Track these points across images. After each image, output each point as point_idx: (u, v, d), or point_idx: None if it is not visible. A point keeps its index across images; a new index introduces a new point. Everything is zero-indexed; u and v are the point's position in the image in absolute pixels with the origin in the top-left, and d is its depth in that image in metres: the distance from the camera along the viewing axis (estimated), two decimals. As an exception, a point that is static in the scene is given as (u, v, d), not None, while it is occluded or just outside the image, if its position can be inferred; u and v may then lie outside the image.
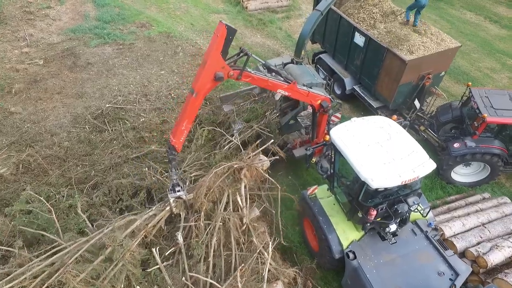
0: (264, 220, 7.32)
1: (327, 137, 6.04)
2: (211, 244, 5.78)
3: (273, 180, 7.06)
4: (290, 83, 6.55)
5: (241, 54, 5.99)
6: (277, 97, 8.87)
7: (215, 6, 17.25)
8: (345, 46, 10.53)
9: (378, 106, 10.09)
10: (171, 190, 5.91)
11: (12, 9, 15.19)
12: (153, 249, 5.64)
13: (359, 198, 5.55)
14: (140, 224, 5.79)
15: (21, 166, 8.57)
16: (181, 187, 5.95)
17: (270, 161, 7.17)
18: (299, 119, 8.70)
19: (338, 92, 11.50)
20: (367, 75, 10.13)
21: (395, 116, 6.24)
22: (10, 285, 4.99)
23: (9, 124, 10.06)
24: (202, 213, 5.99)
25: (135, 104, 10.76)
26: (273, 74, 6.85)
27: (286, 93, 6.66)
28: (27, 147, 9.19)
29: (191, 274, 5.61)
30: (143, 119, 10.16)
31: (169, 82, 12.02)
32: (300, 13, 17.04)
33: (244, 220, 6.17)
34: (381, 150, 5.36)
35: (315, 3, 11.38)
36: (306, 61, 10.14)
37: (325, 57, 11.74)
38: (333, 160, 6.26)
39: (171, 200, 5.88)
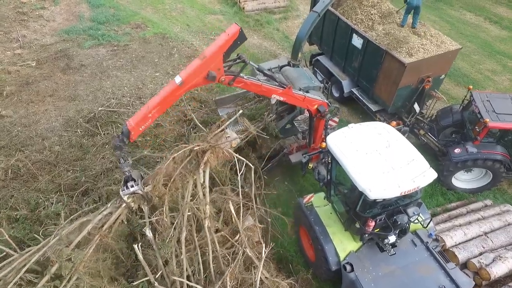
0: (259, 228, 7.09)
1: (324, 144, 5.81)
2: (180, 241, 5.19)
3: (245, 160, 6.36)
4: (285, 88, 6.32)
5: (238, 61, 5.68)
6: (273, 100, 8.63)
7: (211, 7, 17.02)
8: (343, 48, 10.31)
9: (377, 109, 9.87)
10: (123, 186, 5.35)
11: (5, 10, 14.95)
12: (135, 246, 5.00)
13: (357, 209, 5.32)
14: (93, 228, 5.16)
15: (10, 171, 8.32)
16: (135, 181, 5.36)
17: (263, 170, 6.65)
18: (295, 124, 8.49)
19: (336, 95, 11.27)
20: (366, 78, 9.91)
21: (394, 122, 6.03)
22: None
23: (-1, 128, 9.82)
24: (166, 206, 5.36)
25: (128, 107, 10.51)
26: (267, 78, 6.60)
27: (282, 99, 6.44)
28: (17, 151, 8.94)
29: (175, 278, 5.07)
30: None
31: (163, 85, 11.75)
32: (297, 14, 16.83)
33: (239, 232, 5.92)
34: (379, 158, 5.14)
35: (312, 4, 11.18)
36: (303, 64, 9.91)
37: (322, 59, 11.52)
38: (330, 167, 6.04)
39: (125, 198, 5.33)
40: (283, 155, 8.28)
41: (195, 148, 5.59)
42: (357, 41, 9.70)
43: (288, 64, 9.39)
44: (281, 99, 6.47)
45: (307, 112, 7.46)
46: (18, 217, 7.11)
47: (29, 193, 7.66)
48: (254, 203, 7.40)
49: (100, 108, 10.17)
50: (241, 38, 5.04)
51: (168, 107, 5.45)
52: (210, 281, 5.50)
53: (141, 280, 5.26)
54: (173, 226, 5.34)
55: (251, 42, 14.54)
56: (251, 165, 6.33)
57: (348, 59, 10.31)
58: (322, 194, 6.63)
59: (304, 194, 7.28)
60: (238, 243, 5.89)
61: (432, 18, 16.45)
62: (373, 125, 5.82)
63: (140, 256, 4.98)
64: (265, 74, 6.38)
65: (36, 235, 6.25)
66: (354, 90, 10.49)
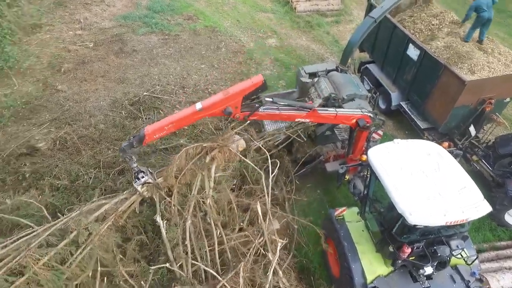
0: (284, 233, 6.89)
1: (364, 157, 5.46)
2: (185, 228, 5.57)
3: (248, 162, 6.74)
4: (308, 110, 6.06)
5: (255, 101, 5.72)
6: (316, 104, 8.35)
7: (263, 5, 16.97)
8: (396, 58, 9.73)
9: (426, 127, 9.18)
10: (135, 179, 5.76)
11: (73, -7, 16.01)
12: (157, 217, 5.58)
13: (393, 231, 4.93)
14: (110, 209, 5.61)
15: (58, 142, 8.84)
16: (144, 173, 5.77)
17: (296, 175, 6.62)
18: (336, 131, 8.13)
19: (382, 106, 10.70)
20: (418, 92, 9.26)
21: (446, 143, 5.51)
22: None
23: (54, 100, 10.49)
24: (175, 195, 5.81)
25: (171, 95, 10.77)
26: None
27: (307, 121, 6.27)
28: (66, 125, 9.49)
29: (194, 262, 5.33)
30: (177, 111, 10.11)
31: (207, 77, 11.93)
32: (351, 18, 16.25)
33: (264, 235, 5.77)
34: (426, 181, 4.71)
35: (368, 10, 10.66)
36: (352, 70, 9.49)
37: (372, 67, 10.98)
38: (368, 182, 5.67)
39: (138, 188, 5.73)
40: (319, 162, 7.97)
41: (204, 145, 6.00)
42: (413, 52, 9.09)
43: (336, 69, 9.04)
44: (307, 121, 6.30)
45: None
46: (59, 186, 7.53)
47: (72, 165, 8.07)
48: (280, 207, 7.27)
49: (145, 93, 10.51)
50: (262, 87, 5.53)
51: (182, 126, 5.90)
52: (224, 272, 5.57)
53: (161, 266, 5.48)
54: (180, 215, 5.77)
55: (299, 43, 14.29)
56: (259, 171, 6.61)
57: (401, 70, 9.71)
58: (355, 209, 6.27)
59: (336, 206, 6.95)
60: (260, 245, 5.74)
61: (501, 35, 15.06)
62: (422, 144, 5.37)
63: (164, 232, 5.44)
64: (282, 104, 6.08)
65: (72, 206, 6.56)
66: (403, 104, 9.86)
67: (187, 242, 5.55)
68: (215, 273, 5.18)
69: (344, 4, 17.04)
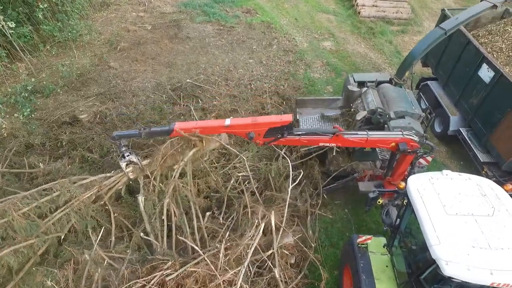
0: (298, 249, 6.31)
1: (402, 185, 4.72)
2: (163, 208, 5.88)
3: (235, 151, 7.05)
4: (332, 135, 5.66)
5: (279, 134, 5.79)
6: (359, 116, 7.60)
7: (325, 6, 16.24)
8: (464, 78, 8.53)
9: (487, 161, 7.92)
10: (121, 158, 6.09)
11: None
12: (139, 196, 6.00)
13: (421, 276, 4.16)
14: (96, 181, 6.05)
15: (98, 116, 9.18)
16: (130, 153, 6.10)
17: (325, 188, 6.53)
18: (377, 149, 7.33)
19: (437, 130, 9.52)
20: (483, 120, 8.02)
21: (510, 186, 4.54)
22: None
23: (104, 76, 10.97)
24: (157, 177, 6.24)
25: (213, 86, 10.65)
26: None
27: (333, 145, 5.96)
28: (110, 100, 9.84)
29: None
30: (215, 102, 9.97)
31: (253, 72, 11.63)
32: (420, 29, 14.86)
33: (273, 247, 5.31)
34: (474, 226, 3.87)
35: (441, 21, 9.51)
36: (408, 85, 8.52)
37: (433, 85, 9.81)
38: (402, 213, 4.91)
39: (124, 165, 6.05)
40: (352, 179, 7.24)
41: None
42: (485, 73, 7.88)
43: (390, 81, 8.16)
44: (333, 145, 6.02)
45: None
46: (89, 159, 7.75)
47: (106, 140, 8.29)
48: (301, 220, 6.73)
49: (188, 80, 10.52)
50: (289, 127, 5.68)
51: (207, 133, 6.14)
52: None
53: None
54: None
55: (356, 49, 13.39)
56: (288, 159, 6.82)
57: (467, 92, 8.50)
58: (382, 240, 5.51)
59: (363, 231, 6.27)
60: (268, 259, 5.28)
61: None
62: (477, 181, 4.48)
63: (142, 206, 5.89)
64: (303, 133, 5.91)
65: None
66: (463, 130, 8.64)
67: (164, 217, 5.87)
68: (195, 246, 5.34)
69: (414, 13, 15.66)
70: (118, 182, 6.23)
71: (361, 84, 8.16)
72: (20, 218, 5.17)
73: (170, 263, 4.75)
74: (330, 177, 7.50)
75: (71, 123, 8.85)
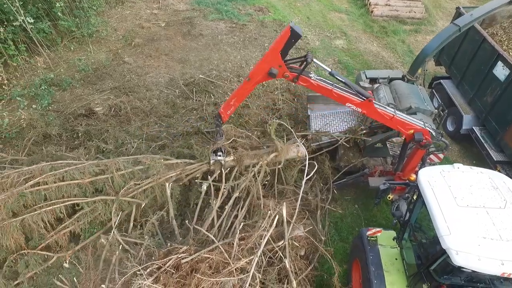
0: (309, 242, 6.36)
1: (413, 177, 4.75)
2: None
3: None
4: (364, 99, 5.44)
5: (302, 58, 5.46)
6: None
7: (338, 5, 16.22)
8: (479, 76, 8.46)
9: (500, 160, 7.85)
10: (213, 153, 6.47)
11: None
12: (204, 185, 6.37)
13: (431, 267, 4.19)
14: (179, 164, 6.54)
15: (113, 109, 9.39)
16: (222, 153, 6.47)
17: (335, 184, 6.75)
18: (388, 145, 7.34)
19: (450, 128, 9.45)
20: (497, 118, 7.95)
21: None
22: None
23: (119, 71, 11.20)
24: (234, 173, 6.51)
25: (225, 82, 10.78)
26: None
27: (360, 110, 5.67)
28: (124, 94, 10.05)
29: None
30: (227, 97, 10.07)
31: (264, 69, 11.70)
32: (433, 29, 14.72)
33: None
34: (485, 218, 3.89)
35: (456, 18, 9.43)
36: (420, 82, 8.48)
37: (447, 83, 9.74)
38: (412, 206, 4.93)
39: (212, 161, 6.44)
40: (362, 175, 7.26)
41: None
42: (501, 71, 7.80)
43: (402, 79, 8.16)
44: (359, 110, 5.68)
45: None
46: (104, 149, 7.95)
47: (120, 132, 8.50)
48: (311, 214, 6.79)
49: (200, 76, 10.67)
50: (293, 36, 5.00)
51: (244, 98, 6.29)
52: None
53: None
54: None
55: (368, 48, 13.35)
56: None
57: (481, 90, 8.43)
58: (392, 233, 5.53)
59: (372, 226, 6.23)
60: (279, 249, 5.35)
61: None
62: (489, 174, 4.49)
63: (168, 192, 6.13)
64: (338, 80, 5.61)
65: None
66: (476, 129, 8.57)
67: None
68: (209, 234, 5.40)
69: (428, 12, 15.53)
70: (197, 170, 6.61)
71: (373, 80, 8.17)
72: (118, 177, 6.00)
73: (185, 247, 4.87)
74: (340, 173, 7.53)
75: (86, 115, 9.08)
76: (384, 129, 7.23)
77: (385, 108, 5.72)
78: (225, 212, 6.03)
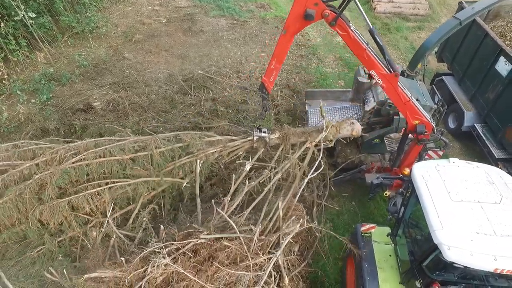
0: (303, 238, 6.28)
1: (407, 171, 4.65)
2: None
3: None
4: (390, 72, 5.18)
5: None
6: (369, 107, 7.55)
7: (340, 1, 16.03)
8: (481, 72, 8.29)
9: (502, 157, 7.68)
10: (257, 129, 6.32)
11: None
12: (247, 165, 6.15)
13: (424, 264, 4.08)
14: (220, 141, 6.42)
15: (111, 104, 9.39)
16: (266, 130, 6.33)
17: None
18: (386, 141, 7.22)
19: (451, 125, 9.28)
20: (499, 115, 7.78)
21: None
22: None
23: (118, 66, 11.21)
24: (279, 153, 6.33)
25: (224, 78, 10.73)
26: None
27: (380, 82, 5.41)
28: (122, 89, 10.05)
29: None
30: (226, 93, 10.04)
31: (265, 65, 11.59)
32: (437, 26, 14.43)
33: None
34: (479, 213, 3.78)
35: (458, 11, 9.25)
36: (420, 78, 8.33)
37: (448, 80, 9.57)
38: (406, 201, 4.83)
39: (256, 137, 6.27)
40: (359, 171, 7.16)
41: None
42: (503, 67, 7.63)
43: (402, 74, 8.00)
44: (380, 82, 5.45)
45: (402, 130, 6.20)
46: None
47: (117, 127, 8.46)
48: (307, 211, 6.68)
49: (199, 71, 10.63)
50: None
51: (284, 57, 5.84)
52: None
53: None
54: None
55: (370, 45, 13.15)
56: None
57: (483, 86, 8.26)
58: (386, 229, 5.43)
59: (363, 223, 6.11)
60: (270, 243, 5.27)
61: None
62: (486, 169, 4.37)
63: (198, 170, 6.11)
64: (375, 40, 5.34)
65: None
66: (478, 127, 8.40)
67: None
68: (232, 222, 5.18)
69: (432, 9, 15.31)
70: (240, 147, 6.48)
71: (371, 76, 8.03)
72: (157, 155, 6.00)
73: (206, 232, 4.84)
74: (338, 169, 7.43)
75: (85, 110, 9.10)
76: (383, 126, 7.14)
77: (405, 89, 5.50)
78: (260, 196, 5.90)
